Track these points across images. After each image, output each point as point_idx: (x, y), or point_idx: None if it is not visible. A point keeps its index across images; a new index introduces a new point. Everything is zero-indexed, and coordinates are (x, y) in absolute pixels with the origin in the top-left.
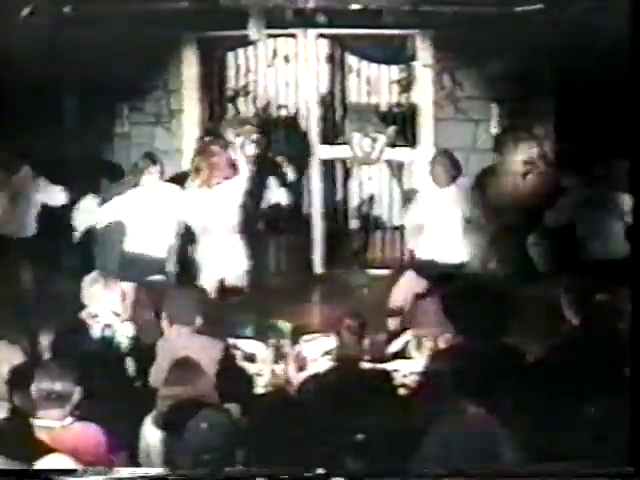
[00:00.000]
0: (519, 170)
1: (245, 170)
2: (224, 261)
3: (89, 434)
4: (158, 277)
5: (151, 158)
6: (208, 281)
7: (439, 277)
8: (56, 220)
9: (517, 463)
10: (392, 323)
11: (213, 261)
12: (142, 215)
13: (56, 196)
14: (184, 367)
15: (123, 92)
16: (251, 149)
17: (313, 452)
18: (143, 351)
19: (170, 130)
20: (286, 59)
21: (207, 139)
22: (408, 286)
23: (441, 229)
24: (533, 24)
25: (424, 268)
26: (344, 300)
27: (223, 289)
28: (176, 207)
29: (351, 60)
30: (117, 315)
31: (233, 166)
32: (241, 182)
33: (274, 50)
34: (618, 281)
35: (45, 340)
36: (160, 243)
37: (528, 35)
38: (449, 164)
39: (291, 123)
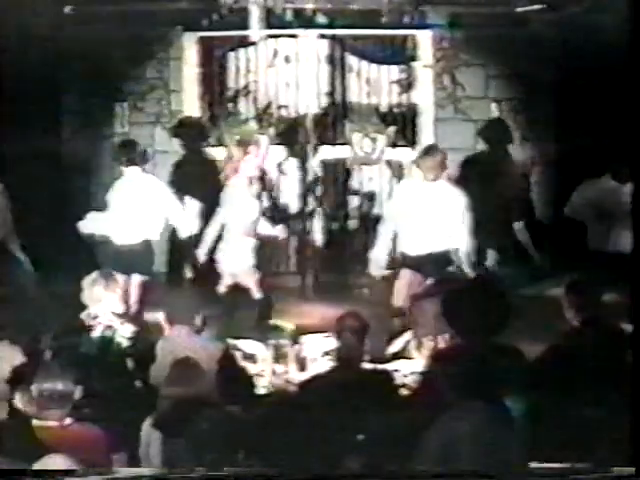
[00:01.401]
0: (519, 169)
1: (267, 171)
2: (235, 259)
3: (89, 434)
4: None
5: (129, 146)
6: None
7: (435, 272)
8: None
9: (517, 463)
10: (395, 323)
11: (226, 259)
12: (125, 207)
13: None
14: (184, 367)
15: (123, 92)
16: (274, 151)
17: (313, 452)
18: (143, 351)
19: (170, 130)
20: (286, 59)
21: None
22: (407, 284)
23: (431, 223)
24: (533, 24)
25: (418, 264)
26: (344, 300)
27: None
28: (159, 201)
29: (351, 60)
30: (117, 316)
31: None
32: (258, 182)
33: (274, 50)
34: (618, 281)
35: (45, 340)
36: (144, 237)
37: (528, 35)
38: (438, 158)
39: (291, 123)
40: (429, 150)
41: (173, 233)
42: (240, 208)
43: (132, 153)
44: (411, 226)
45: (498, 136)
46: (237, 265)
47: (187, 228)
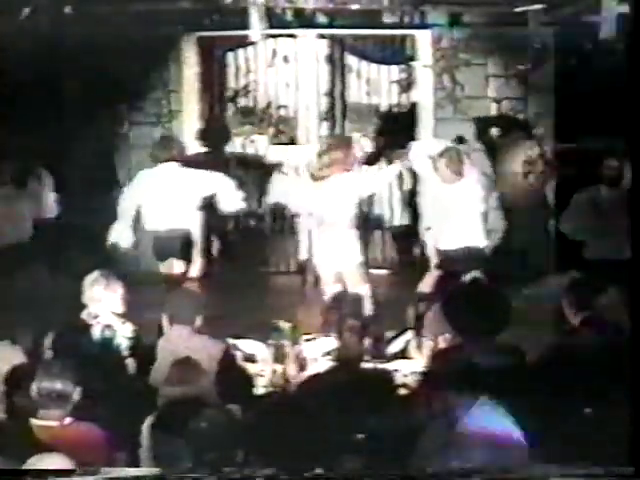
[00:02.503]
0: (519, 170)
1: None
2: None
3: (89, 434)
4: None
5: (167, 142)
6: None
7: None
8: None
9: (517, 463)
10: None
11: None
12: (161, 197)
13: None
14: (184, 367)
15: (123, 92)
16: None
17: (313, 452)
18: (143, 351)
19: (170, 130)
20: (286, 59)
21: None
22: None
23: (453, 223)
24: (533, 24)
25: (447, 263)
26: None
27: None
28: (197, 191)
29: (351, 60)
30: (117, 316)
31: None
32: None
33: (274, 50)
34: (618, 281)
35: (46, 340)
36: (182, 225)
37: (528, 35)
38: (455, 160)
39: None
40: (444, 152)
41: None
42: (343, 203)
43: (170, 149)
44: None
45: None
46: (344, 263)
47: (235, 204)
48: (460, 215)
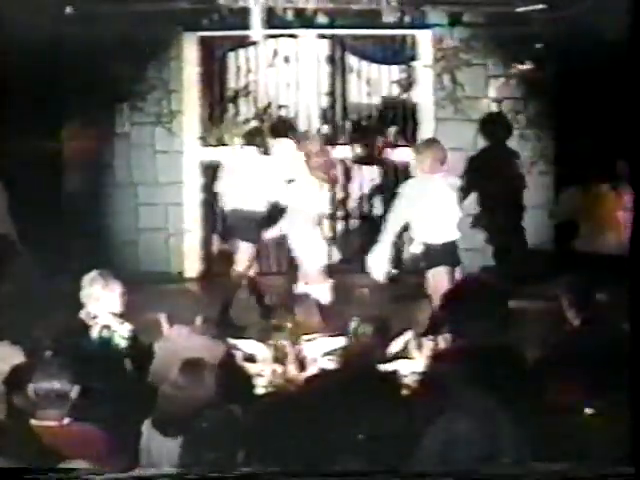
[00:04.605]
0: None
1: None
2: None
3: (88, 434)
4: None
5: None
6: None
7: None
8: None
9: (517, 463)
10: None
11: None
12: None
13: None
14: (194, 368)
15: (123, 92)
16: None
17: (313, 452)
18: (142, 351)
19: (170, 130)
20: (286, 59)
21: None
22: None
23: (440, 216)
24: (533, 24)
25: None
26: (344, 300)
27: None
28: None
29: (351, 60)
30: (116, 316)
31: None
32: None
33: (274, 50)
34: (618, 280)
35: (45, 340)
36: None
37: (528, 35)
38: (436, 151)
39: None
40: (428, 143)
41: None
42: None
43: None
44: (427, 219)
45: (498, 131)
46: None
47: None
48: (442, 207)
